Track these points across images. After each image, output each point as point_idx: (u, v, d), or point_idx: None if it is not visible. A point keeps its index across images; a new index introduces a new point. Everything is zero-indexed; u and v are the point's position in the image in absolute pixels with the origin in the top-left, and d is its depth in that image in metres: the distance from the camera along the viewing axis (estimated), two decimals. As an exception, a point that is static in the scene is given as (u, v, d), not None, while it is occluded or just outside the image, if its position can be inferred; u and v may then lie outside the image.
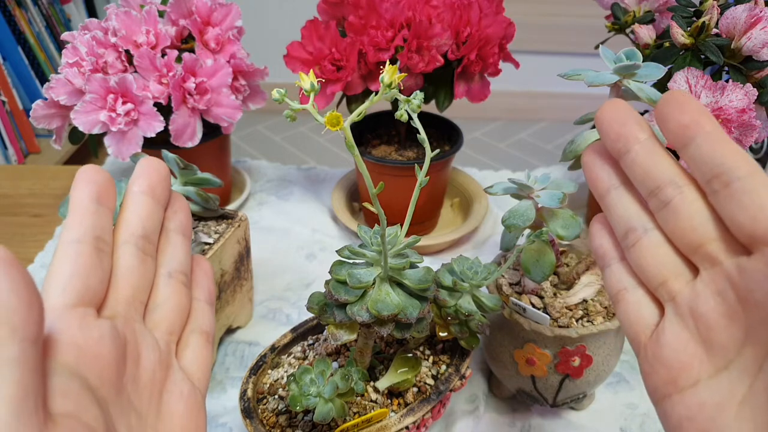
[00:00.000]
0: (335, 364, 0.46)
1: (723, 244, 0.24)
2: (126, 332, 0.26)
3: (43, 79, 1.75)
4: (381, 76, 0.31)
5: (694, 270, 0.26)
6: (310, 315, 0.48)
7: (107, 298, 0.26)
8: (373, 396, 0.45)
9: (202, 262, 0.34)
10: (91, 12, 2.07)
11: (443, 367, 0.48)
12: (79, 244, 0.25)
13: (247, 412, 0.43)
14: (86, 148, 1.85)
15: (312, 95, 0.31)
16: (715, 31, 0.53)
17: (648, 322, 0.27)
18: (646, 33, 0.59)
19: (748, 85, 0.46)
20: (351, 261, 0.41)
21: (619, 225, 0.28)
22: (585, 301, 0.49)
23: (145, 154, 0.54)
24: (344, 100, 0.70)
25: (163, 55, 0.64)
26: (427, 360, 0.48)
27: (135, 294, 0.27)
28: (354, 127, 0.45)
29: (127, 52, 0.65)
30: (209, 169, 0.56)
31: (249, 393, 0.44)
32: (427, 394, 0.45)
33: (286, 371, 0.47)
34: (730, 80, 0.49)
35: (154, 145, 0.65)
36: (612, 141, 0.27)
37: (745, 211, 0.22)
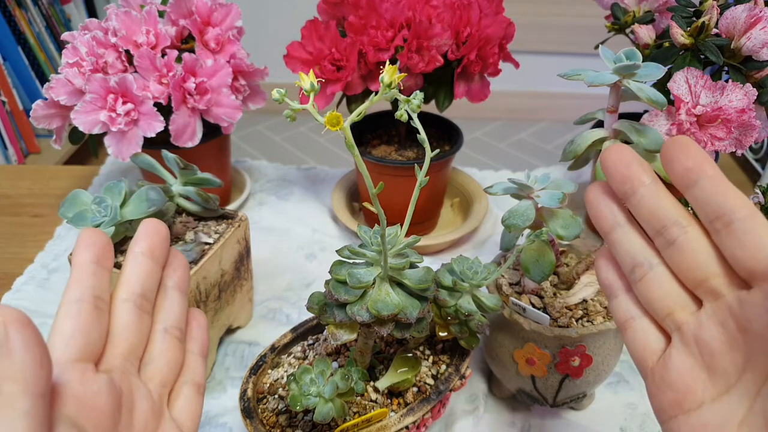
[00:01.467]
0: (335, 364, 0.46)
1: (725, 279, 0.26)
2: (122, 385, 0.28)
3: (43, 79, 1.75)
4: (381, 76, 0.31)
5: (698, 302, 0.28)
6: (310, 315, 0.49)
7: (105, 353, 0.28)
8: (373, 396, 0.45)
9: (197, 316, 0.35)
10: (91, 12, 2.07)
11: (443, 367, 0.48)
12: (80, 303, 0.27)
13: (247, 412, 0.43)
14: (86, 148, 1.85)
15: (312, 95, 0.31)
16: (714, 31, 0.53)
17: (655, 348, 0.29)
18: (646, 33, 0.59)
19: (748, 85, 0.46)
20: (351, 261, 0.41)
21: (626, 260, 0.30)
22: (585, 301, 0.49)
23: (146, 155, 0.54)
24: (344, 100, 0.70)
25: (163, 55, 0.64)
26: (427, 360, 0.48)
27: (131, 349, 0.30)
28: (354, 127, 0.45)
29: (127, 52, 0.65)
30: (209, 169, 0.56)
31: (249, 393, 0.44)
32: (427, 393, 0.45)
33: (286, 371, 0.47)
34: (730, 80, 0.49)
35: (154, 145, 0.65)
36: (618, 183, 0.29)
37: (745, 249, 0.25)
